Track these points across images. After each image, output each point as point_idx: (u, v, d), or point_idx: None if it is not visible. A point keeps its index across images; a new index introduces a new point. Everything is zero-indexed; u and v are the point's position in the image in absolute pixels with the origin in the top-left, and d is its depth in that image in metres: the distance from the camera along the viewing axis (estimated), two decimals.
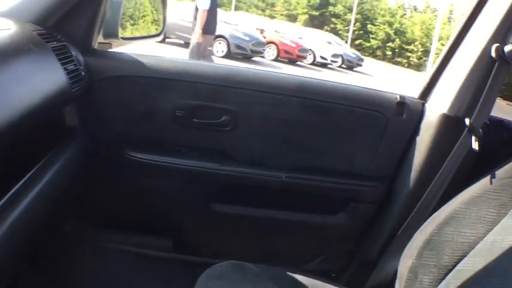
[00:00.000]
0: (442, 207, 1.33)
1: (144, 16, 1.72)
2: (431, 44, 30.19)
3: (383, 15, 36.81)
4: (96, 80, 1.42)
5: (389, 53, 35.16)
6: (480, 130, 1.53)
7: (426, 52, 31.96)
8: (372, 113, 1.62)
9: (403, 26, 36.32)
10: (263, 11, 37.51)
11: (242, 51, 13.56)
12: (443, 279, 1.25)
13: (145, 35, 1.63)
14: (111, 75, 1.45)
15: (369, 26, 35.98)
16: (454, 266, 1.26)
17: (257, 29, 16.23)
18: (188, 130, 1.53)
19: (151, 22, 1.69)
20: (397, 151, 1.66)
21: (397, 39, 35.18)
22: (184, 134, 1.54)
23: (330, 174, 1.64)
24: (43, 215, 1.24)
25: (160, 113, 1.51)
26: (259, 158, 1.60)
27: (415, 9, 39.26)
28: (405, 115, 1.63)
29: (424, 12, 38.07)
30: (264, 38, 15.47)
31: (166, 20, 1.65)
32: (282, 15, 36.61)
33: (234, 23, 14.92)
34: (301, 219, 1.67)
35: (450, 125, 1.59)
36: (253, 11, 35.77)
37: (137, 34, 1.59)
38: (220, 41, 13.71)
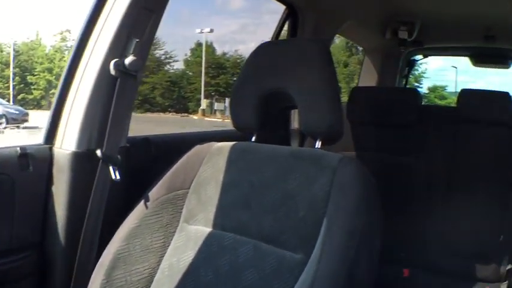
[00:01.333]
0: (104, 252, 1.26)
1: None
2: None
3: (41, 63, 36.18)
4: None
5: (53, 99, 35.23)
6: (118, 156, 1.46)
7: None
8: None
9: (63, 69, 36.63)
10: None
11: None
12: None
13: None
14: None
15: (28, 77, 35.22)
16: None
17: None
18: None
19: None
20: (37, 209, 1.48)
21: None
22: None
23: None
24: None
25: None
26: None
27: None
28: (32, 167, 1.45)
29: None
30: None
31: None
32: None
33: None
34: None
35: (83, 162, 1.48)
36: None
37: None
38: None
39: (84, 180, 1.46)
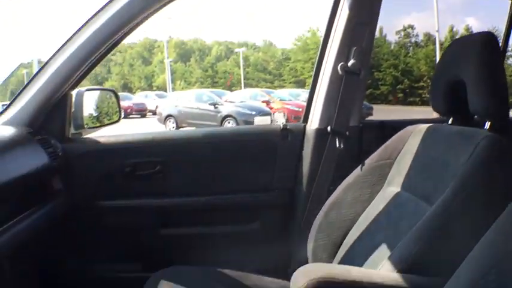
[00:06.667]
0: (329, 199, 1.71)
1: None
2: None
3: (387, 60, 36.94)
4: (71, 157, 2.00)
5: (400, 95, 35.16)
6: (347, 132, 2.02)
7: None
8: (263, 142, 2.17)
9: (409, 65, 36.30)
10: (272, 83, 38.65)
11: None
12: (336, 252, 1.62)
13: (106, 122, 2.22)
14: (81, 152, 2.05)
15: (375, 73, 36.18)
16: (341, 241, 1.63)
17: (263, 101, 17.03)
18: (134, 181, 2.10)
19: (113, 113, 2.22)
20: (291, 166, 2.16)
21: (406, 80, 35.26)
22: (133, 184, 2.10)
23: (242, 192, 2.14)
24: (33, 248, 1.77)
25: (115, 171, 2.08)
26: (188, 190, 2.13)
27: (417, 45, 38.95)
28: (290, 138, 2.15)
29: (426, 45, 37.80)
30: (271, 108, 16.10)
31: (122, 109, 2.26)
32: (290, 83, 37.62)
33: (239, 101, 15.76)
34: (225, 231, 2.16)
35: (322, 135, 2.09)
36: (262, 85, 36.80)
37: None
38: (229, 120, 14.64)
39: (321, 147, 2.09)
